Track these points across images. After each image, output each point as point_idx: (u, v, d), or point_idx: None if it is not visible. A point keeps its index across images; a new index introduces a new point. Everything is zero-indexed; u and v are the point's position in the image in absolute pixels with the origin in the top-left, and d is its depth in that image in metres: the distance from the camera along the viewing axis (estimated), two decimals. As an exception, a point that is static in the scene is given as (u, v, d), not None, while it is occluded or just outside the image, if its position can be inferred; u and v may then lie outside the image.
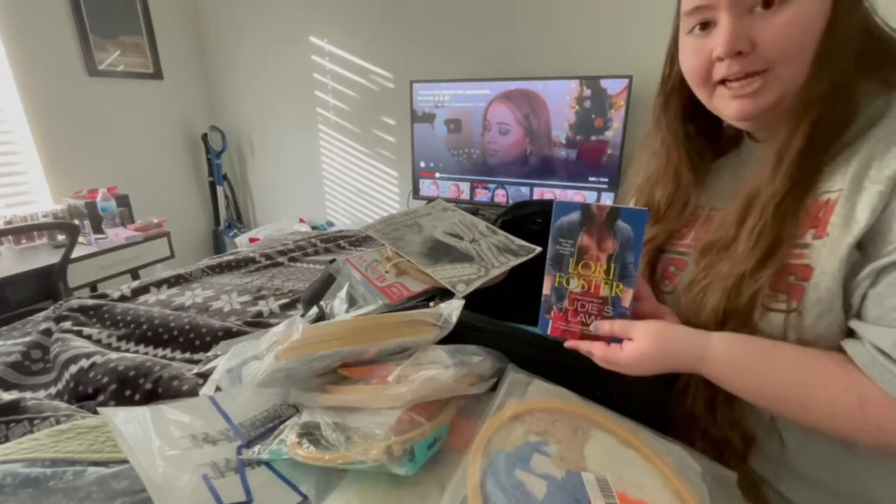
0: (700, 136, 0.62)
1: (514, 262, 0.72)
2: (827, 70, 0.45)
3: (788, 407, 0.45)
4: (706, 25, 0.49)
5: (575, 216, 0.52)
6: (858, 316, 0.43)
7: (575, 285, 0.52)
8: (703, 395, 0.53)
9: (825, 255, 0.44)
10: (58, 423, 0.68)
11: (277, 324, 0.89)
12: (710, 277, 0.52)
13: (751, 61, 0.47)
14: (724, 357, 0.46)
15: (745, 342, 0.46)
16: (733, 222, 0.51)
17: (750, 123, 0.54)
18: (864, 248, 0.42)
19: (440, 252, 0.74)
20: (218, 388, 0.66)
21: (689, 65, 0.53)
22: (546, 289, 0.54)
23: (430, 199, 1.20)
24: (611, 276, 0.51)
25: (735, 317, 0.49)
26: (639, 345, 0.48)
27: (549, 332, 0.54)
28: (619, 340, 0.50)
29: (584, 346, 0.52)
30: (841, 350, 0.43)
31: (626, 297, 0.51)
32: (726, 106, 0.52)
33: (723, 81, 0.50)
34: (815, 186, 0.46)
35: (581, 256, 0.52)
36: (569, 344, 0.53)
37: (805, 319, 0.45)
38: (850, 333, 0.44)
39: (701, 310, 0.52)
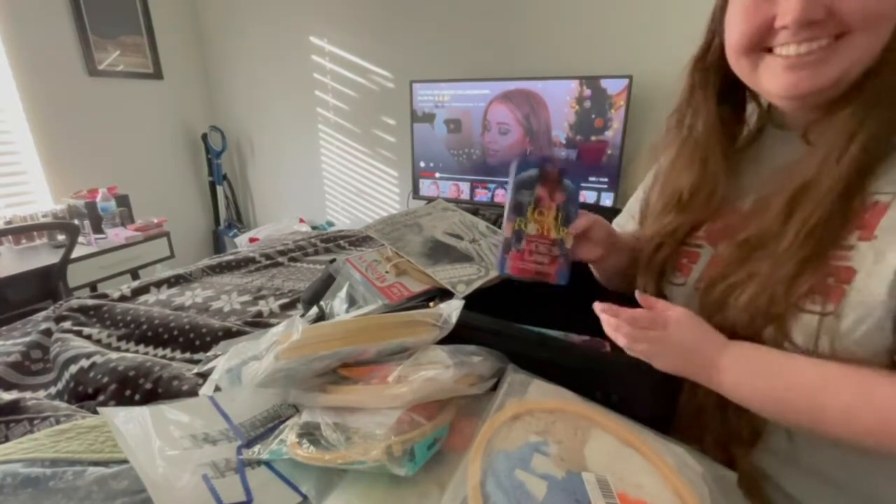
0: (732, 121, 0.57)
1: (515, 262, 0.72)
2: None
3: (801, 418, 0.43)
4: None
5: (533, 172, 0.61)
6: None
7: (532, 229, 0.62)
8: (715, 392, 0.51)
9: (871, 257, 0.41)
10: (58, 423, 0.68)
11: (277, 324, 0.89)
12: (744, 275, 0.48)
13: (821, 28, 0.41)
14: (740, 358, 0.45)
15: (759, 347, 0.46)
16: (777, 216, 0.46)
17: (796, 103, 0.47)
18: None
19: (440, 252, 0.74)
20: (217, 388, 0.66)
21: (739, 29, 0.46)
22: (507, 232, 0.62)
23: (430, 199, 1.20)
24: (559, 222, 0.62)
25: (769, 319, 0.46)
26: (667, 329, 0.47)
27: (507, 271, 0.63)
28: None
29: (614, 323, 0.50)
30: (879, 364, 0.41)
31: (569, 240, 0.62)
32: (774, 79, 0.45)
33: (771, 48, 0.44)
34: (866, 185, 0.43)
35: (537, 205, 0.62)
36: (599, 306, 0.52)
37: (842, 323, 0.42)
38: None
39: (728, 308, 0.49)
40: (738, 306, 0.48)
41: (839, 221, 0.43)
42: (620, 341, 0.50)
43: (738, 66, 0.50)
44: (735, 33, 0.47)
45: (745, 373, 0.45)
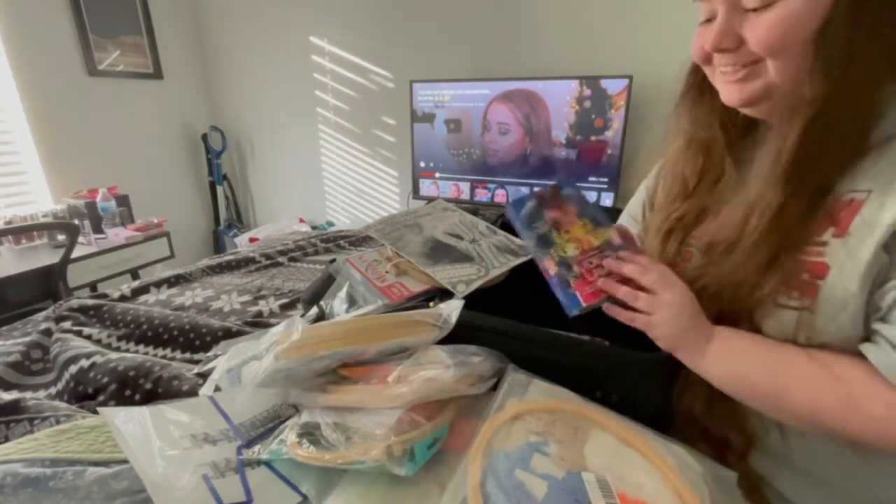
0: (731, 112, 0.59)
1: (515, 262, 0.72)
2: (824, 70, 0.43)
3: (773, 400, 0.46)
4: (711, 17, 0.50)
5: (532, 203, 0.58)
6: (883, 320, 0.42)
7: (571, 249, 0.56)
8: (701, 395, 0.53)
9: (844, 254, 0.43)
10: (58, 423, 0.68)
11: (277, 324, 0.89)
12: (708, 278, 0.52)
13: (738, 55, 0.48)
14: (727, 342, 0.48)
15: (744, 333, 0.49)
16: (737, 226, 0.50)
17: (751, 110, 0.53)
18: (892, 251, 0.41)
19: (440, 252, 0.73)
20: (217, 388, 0.66)
21: (693, 49, 0.54)
22: (551, 270, 0.55)
23: (430, 199, 1.20)
24: (590, 228, 0.57)
25: (731, 320, 0.50)
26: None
27: (583, 304, 0.52)
28: None
29: (622, 293, 0.52)
30: (852, 354, 0.43)
31: (615, 236, 0.56)
32: (720, 88, 0.53)
33: None
34: (833, 188, 0.45)
35: (559, 226, 0.57)
36: (601, 284, 0.53)
37: (818, 318, 0.45)
38: (868, 339, 0.43)
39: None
40: (706, 305, 0.51)
41: (797, 228, 0.46)
42: (624, 291, 0.52)
43: (706, 73, 0.56)
44: (693, 51, 0.55)
45: (728, 353, 0.48)
